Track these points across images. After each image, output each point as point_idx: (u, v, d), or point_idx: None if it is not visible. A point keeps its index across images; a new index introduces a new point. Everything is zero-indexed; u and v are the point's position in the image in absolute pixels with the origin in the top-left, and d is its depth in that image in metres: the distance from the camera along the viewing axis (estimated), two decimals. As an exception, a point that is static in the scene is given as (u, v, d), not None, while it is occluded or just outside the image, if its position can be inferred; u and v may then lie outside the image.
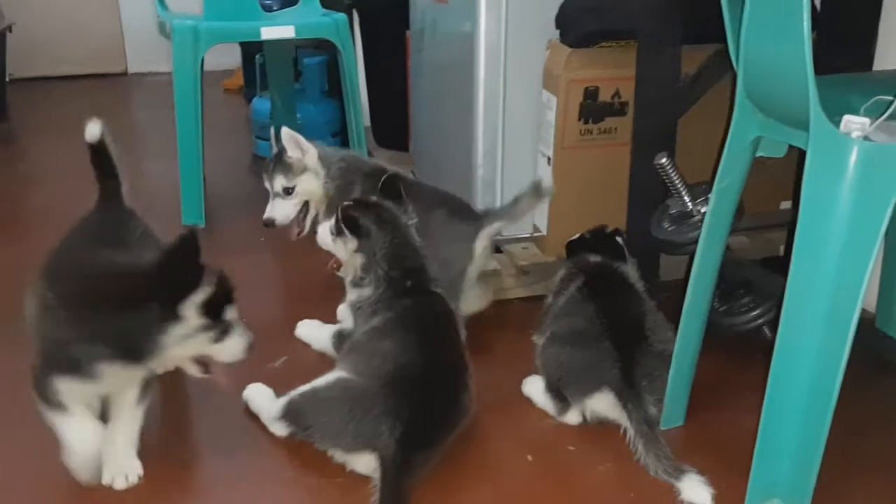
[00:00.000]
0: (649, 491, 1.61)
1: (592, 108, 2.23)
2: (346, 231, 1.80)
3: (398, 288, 1.79)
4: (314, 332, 2.08)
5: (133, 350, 1.42)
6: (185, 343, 1.44)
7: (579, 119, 2.24)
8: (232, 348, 1.49)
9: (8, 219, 2.99)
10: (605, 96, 2.23)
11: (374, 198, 1.88)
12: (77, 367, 1.44)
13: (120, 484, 1.59)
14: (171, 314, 1.40)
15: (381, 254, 1.80)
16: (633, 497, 1.62)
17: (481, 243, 2.09)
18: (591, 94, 2.21)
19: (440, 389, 1.68)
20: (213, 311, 1.43)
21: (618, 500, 1.62)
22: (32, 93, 4.52)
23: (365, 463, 1.60)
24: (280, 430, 1.71)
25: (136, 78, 5.12)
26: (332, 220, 1.86)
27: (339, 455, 1.64)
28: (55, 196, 3.22)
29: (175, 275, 1.40)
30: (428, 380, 1.65)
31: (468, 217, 2.12)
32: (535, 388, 1.88)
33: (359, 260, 1.81)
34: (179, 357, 1.49)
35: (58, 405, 1.49)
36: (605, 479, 1.69)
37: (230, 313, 1.47)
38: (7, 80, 4.23)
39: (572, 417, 1.82)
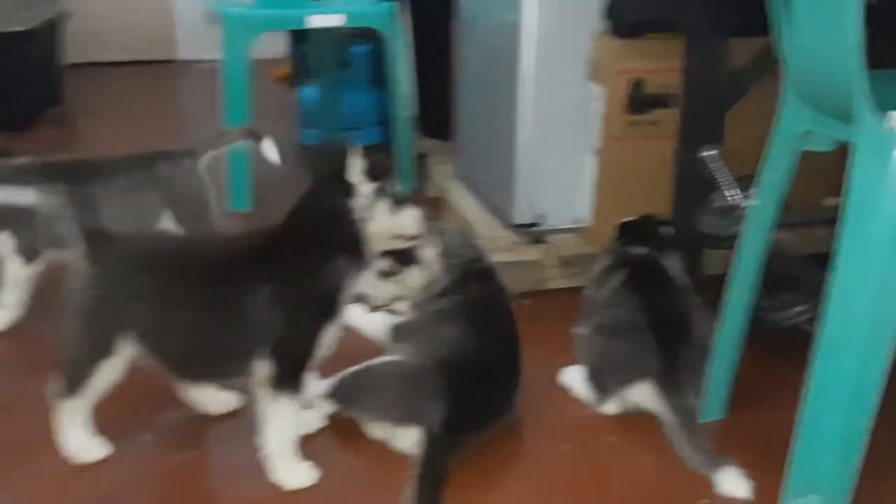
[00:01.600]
0: (686, 482, 1.62)
1: (638, 100, 2.23)
2: (434, 235, 1.82)
3: (469, 272, 1.83)
4: (364, 318, 2.10)
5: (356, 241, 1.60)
6: (373, 217, 1.60)
7: (625, 110, 2.23)
8: (410, 217, 1.66)
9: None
10: (651, 88, 2.22)
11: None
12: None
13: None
14: (346, 185, 1.56)
15: (451, 244, 1.84)
16: (670, 488, 1.63)
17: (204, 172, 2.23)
18: (637, 85, 2.21)
19: (491, 383, 1.72)
20: (376, 176, 1.60)
21: (655, 491, 1.63)
22: (86, 77, 4.62)
23: (409, 438, 1.64)
24: (324, 408, 1.75)
25: (185, 65, 5.20)
26: (389, 260, 1.86)
27: (382, 430, 1.68)
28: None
29: (332, 157, 1.61)
30: (482, 371, 1.69)
31: (185, 153, 2.24)
32: (574, 377, 1.90)
33: (438, 264, 1.83)
34: (379, 236, 1.63)
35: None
36: (643, 469, 1.70)
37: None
38: (63, 65, 4.34)
39: (611, 407, 1.83)
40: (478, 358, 1.70)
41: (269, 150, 2.32)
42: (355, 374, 1.71)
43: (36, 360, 2.09)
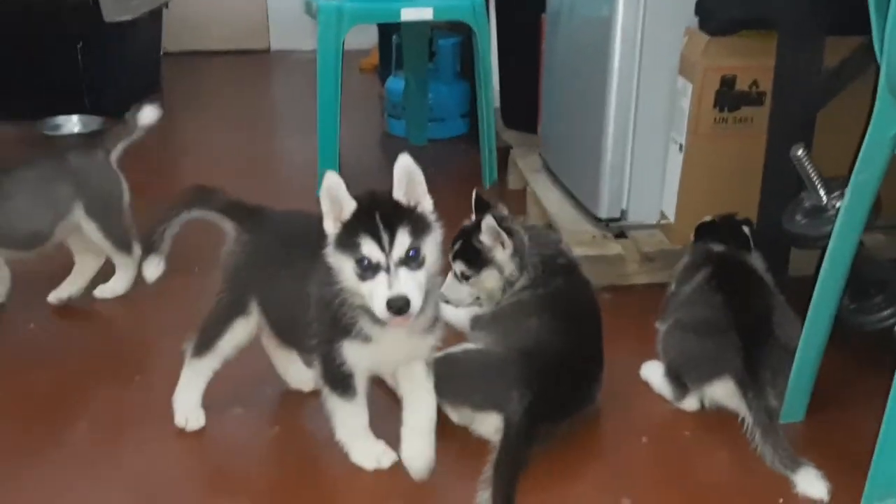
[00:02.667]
0: (765, 481, 1.62)
1: (728, 97, 2.21)
2: (505, 238, 1.83)
3: (550, 267, 1.85)
4: (445, 309, 2.13)
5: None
6: None
7: (714, 107, 2.22)
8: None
9: (161, 181, 3.22)
10: (742, 85, 2.20)
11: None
12: None
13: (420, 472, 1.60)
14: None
15: (532, 253, 1.86)
16: (747, 485, 1.63)
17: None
18: (727, 82, 2.19)
19: (574, 375, 1.75)
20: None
21: (732, 487, 1.64)
22: (182, 66, 4.81)
23: (489, 424, 1.68)
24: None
25: (277, 55, 5.34)
26: (461, 264, 1.90)
27: (463, 415, 1.73)
28: (203, 161, 3.44)
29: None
30: (565, 363, 1.72)
31: (96, 146, 2.27)
32: (653, 372, 1.91)
33: (512, 265, 1.85)
34: None
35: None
36: (721, 465, 1.71)
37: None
38: (161, 53, 4.53)
39: (690, 403, 1.83)
40: (561, 349, 1.73)
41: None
42: (437, 361, 1.75)
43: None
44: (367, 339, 1.51)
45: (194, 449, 1.74)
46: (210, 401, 1.87)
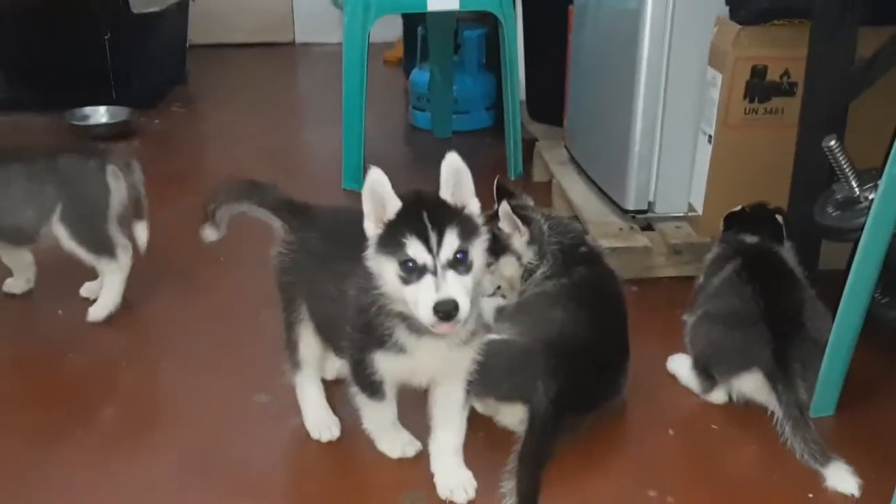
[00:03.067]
0: (794, 475, 1.60)
1: (759, 87, 2.18)
2: (519, 224, 1.82)
3: (571, 256, 1.83)
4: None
5: None
6: None
7: (744, 98, 2.19)
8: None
9: (188, 173, 3.24)
10: (773, 75, 2.17)
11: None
12: None
13: (461, 498, 1.55)
14: None
15: (548, 229, 1.85)
16: (776, 479, 1.61)
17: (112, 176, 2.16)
18: (758, 72, 2.17)
19: (601, 366, 1.74)
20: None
21: (761, 481, 1.62)
22: (209, 58, 4.82)
23: (514, 415, 1.68)
24: None
25: (302, 48, 5.35)
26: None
27: (488, 406, 1.72)
28: (229, 151, 3.46)
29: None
30: (591, 355, 1.71)
31: (93, 154, 2.19)
32: (680, 365, 1.89)
33: (530, 252, 1.84)
34: None
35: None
36: (749, 459, 1.69)
37: None
38: (188, 46, 4.55)
39: (717, 396, 1.82)
40: (587, 340, 1.71)
41: (140, 235, 2.20)
42: None
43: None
44: (401, 350, 1.44)
45: (220, 435, 1.75)
46: (234, 387, 1.89)
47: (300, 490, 1.63)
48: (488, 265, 1.86)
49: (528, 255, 1.85)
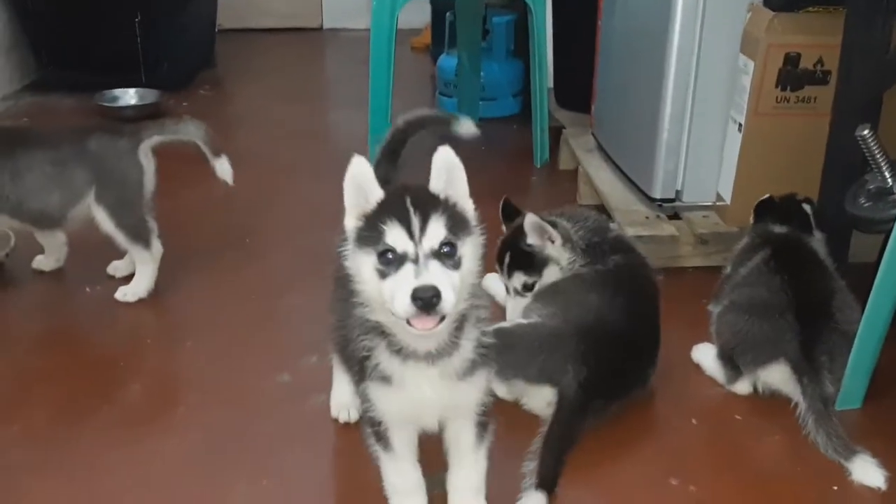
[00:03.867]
0: (818, 467, 1.59)
1: (792, 75, 2.15)
2: (550, 230, 1.82)
3: (600, 251, 1.82)
4: (497, 284, 2.09)
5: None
6: None
7: (776, 86, 2.16)
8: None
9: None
10: (806, 63, 2.14)
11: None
12: None
13: None
14: None
15: (577, 232, 1.85)
16: (800, 471, 1.60)
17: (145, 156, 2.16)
18: (791, 60, 2.13)
19: (632, 355, 1.73)
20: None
21: (784, 472, 1.61)
22: (237, 43, 4.83)
23: (542, 398, 1.67)
24: None
25: (329, 33, 5.35)
26: (521, 274, 1.88)
27: (515, 388, 1.71)
28: (257, 136, 3.46)
29: None
30: (622, 342, 1.70)
31: (125, 134, 2.17)
32: (705, 355, 1.88)
33: (566, 253, 1.84)
34: None
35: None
36: (772, 450, 1.68)
37: None
38: (217, 30, 4.56)
39: (742, 387, 1.80)
40: (621, 327, 1.70)
41: (223, 168, 2.20)
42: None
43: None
44: (385, 379, 1.27)
45: (243, 414, 1.76)
46: (257, 367, 1.90)
47: (319, 469, 1.64)
48: (532, 286, 1.87)
49: (566, 257, 1.83)
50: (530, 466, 1.52)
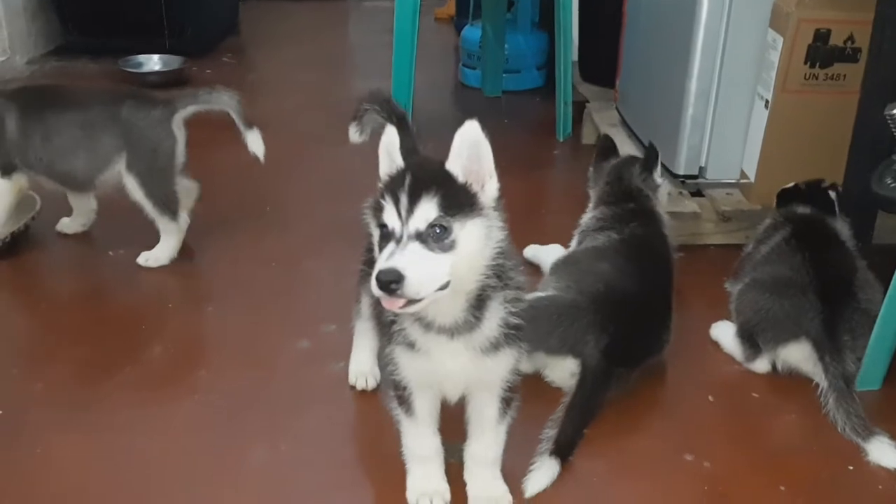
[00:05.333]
0: (834, 446, 1.58)
1: (821, 52, 2.11)
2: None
3: (622, 208, 1.86)
4: (541, 254, 2.13)
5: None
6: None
7: (805, 62, 2.13)
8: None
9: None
10: (836, 40, 2.10)
11: None
12: None
13: None
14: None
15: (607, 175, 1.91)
16: (815, 449, 1.59)
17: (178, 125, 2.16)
18: (821, 36, 2.10)
19: (646, 320, 1.73)
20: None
21: (799, 451, 1.60)
22: (261, 11, 4.83)
23: (564, 369, 1.68)
24: None
25: (354, 3, 5.33)
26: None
27: (536, 361, 1.71)
28: (278, 102, 3.46)
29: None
30: (637, 309, 1.70)
31: (159, 103, 2.15)
32: (724, 332, 1.87)
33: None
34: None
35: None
36: (788, 428, 1.67)
37: None
38: (241, -2, 4.56)
39: (761, 365, 1.79)
40: (634, 293, 1.71)
41: (255, 142, 2.20)
42: None
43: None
44: (411, 345, 1.29)
45: (262, 378, 1.78)
46: (277, 332, 1.91)
47: (336, 435, 1.65)
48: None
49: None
50: (549, 433, 1.53)
